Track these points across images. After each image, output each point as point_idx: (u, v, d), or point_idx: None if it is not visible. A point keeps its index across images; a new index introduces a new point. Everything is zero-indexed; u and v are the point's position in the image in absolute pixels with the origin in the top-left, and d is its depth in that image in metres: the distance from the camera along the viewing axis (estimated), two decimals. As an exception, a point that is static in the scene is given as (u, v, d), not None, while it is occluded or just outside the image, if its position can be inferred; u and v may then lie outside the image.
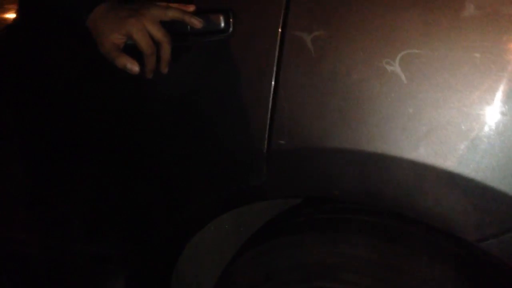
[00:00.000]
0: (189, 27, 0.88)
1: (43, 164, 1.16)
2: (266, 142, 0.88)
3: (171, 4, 0.89)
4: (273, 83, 0.85)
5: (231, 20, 0.87)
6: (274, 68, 0.85)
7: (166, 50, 0.88)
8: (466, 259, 0.85)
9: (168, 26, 0.90)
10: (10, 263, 1.30)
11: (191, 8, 0.90)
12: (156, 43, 0.88)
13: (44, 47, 1.09)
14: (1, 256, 1.31)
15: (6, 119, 1.19)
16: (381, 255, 0.88)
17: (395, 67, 0.77)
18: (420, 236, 0.90)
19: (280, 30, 0.84)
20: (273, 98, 0.85)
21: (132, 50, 0.89)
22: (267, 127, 0.87)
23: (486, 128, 0.74)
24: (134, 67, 0.88)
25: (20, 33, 1.14)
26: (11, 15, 1.24)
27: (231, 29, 0.87)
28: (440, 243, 0.87)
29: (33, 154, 1.17)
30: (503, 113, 0.73)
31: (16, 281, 1.31)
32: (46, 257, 1.25)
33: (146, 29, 0.86)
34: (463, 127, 0.75)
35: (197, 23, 0.87)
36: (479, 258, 0.84)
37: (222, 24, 0.87)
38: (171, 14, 0.87)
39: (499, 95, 0.73)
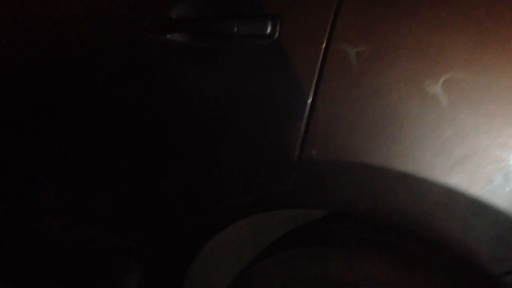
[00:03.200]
0: (235, 28, 0.90)
1: (74, 149, 1.18)
2: (298, 150, 0.88)
3: None
4: (312, 92, 0.85)
5: (278, 26, 0.88)
6: (315, 78, 0.85)
7: None
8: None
9: (215, 26, 0.91)
10: (31, 243, 1.32)
11: None
12: None
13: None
14: (22, 236, 1.33)
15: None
16: (400, 278, 0.87)
17: (437, 89, 0.77)
18: (442, 265, 0.88)
19: (325, 40, 0.84)
20: (310, 107, 0.86)
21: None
22: (301, 135, 0.87)
23: (523, 162, 0.73)
24: None
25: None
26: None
27: (277, 34, 0.88)
28: (462, 273, 0.86)
29: (64, 138, 1.19)
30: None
31: (34, 261, 1.33)
32: (66, 241, 1.26)
33: None
34: (499, 158, 0.74)
35: None
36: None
37: (269, 29, 0.88)
38: None
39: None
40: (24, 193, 1.30)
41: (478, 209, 0.76)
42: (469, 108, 0.75)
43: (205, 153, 1.00)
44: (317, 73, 0.85)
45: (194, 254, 1.14)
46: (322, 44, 0.84)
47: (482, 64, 0.74)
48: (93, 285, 1.27)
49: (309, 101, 0.86)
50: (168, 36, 0.98)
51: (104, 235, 1.20)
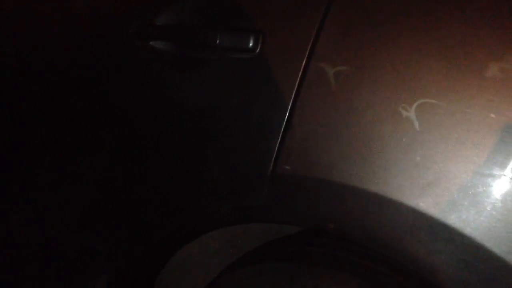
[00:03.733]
0: (218, 40, 0.90)
1: (47, 150, 1.17)
2: (271, 165, 0.89)
3: None
4: (289, 108, 0.86)
5: (260, 40, 0.89)
6: (293, 94, 0.86)
7: None
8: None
9: (198, 36, 0.92)
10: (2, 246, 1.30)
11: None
12: None
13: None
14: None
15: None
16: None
17: (411, 113, 0.78)
18: (408, 287, 0.89)
19: (305, 58, 0.85)
20: (286, 123, 0.87)
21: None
22: (276, 150, 0.88)
23: (492, 190, 0.75)
24: None
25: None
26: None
27: (258, 49, 0.89)
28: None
29: (38, 139, 1.18)
30: (509, 177, 0.73)
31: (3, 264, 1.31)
32: (34, 243, 1.24)
33: None
34: (468, 184, 0.76)
35: None
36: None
37: (251, 43, 0.89)
38: None
39: (508, 158, 0.73)
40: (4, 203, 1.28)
41: (444, 233, 0.77)
42: (440, 133, 0.76)
43: (181, 161, 1.00)
44: (295, 89, 0.86)
45: (163, 262, 1.14)
46: (302, 62, 0.86)
47: (455, 92, 0.76)
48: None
49: (286, 116, 0.87)
50: (151, 43, 0.98)
51: (72, 237, 1.19)
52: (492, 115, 0.74)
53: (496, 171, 0.74)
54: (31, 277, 1.28)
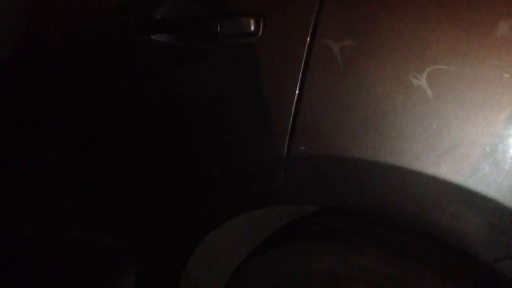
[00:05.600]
0: (219, 27, 0.89)
1: (66, 151, 1.18)
2: (286, 147, 0.88)
3: None
4: (297, 89, 0.85)
5: (261, 24, 0.88)
6: (300, 75, 0.85)
7: None
8: (480, 280, 0.85)
9: (199, 26, 0.91)
10: (28, 247, 1.32)
11: None
12: None
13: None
14: (18, 240, 1.33)
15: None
16: (393, 269, 0.88)
17: (422, 81, 0.77)
18: (434, 254, 0.89)
19: (309, 37, 0.84)
20: (296, 104, 0.86)
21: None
22: (288, 132, 0.87)
23: (509, 149, 0.74)
24: None
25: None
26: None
27: (260, 32, 0.88)
28: (455, 262, 0.87)
29: (56, 140, 1.19)
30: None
31: (30, 264, 1.33)
32: (62, 244, 1.26)
33: None
34: (487, 147, 0.75)
35: None
36: (493, 279, 0.83)
37: (252, 27, 0.88)
38: None
39: (526, 117, 0.72)
40: (18, 197, 1.30)
41: (467, 198, 0.77)
42: (454, 99, 0.75)
43: (195, 153, 1.00)
44: (302, 69, 0.85)
45: (189, 253, 1.15)
46: (306, 41, 0.84)
47: (465, 55, 0.74)
48: (91, 286, 1.27)
49: (295, 97, 0.86)
50: (152, 37, 0.97)
51: (98, 236, 1.20)
52: (506, 75, 0.72)
53: (514, 131, 0.73)
54: (59, 277, 1.30)
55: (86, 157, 1.15)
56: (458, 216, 0.79)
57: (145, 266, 1.19)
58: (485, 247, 0.79)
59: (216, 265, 1.24)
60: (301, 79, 0.85)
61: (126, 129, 1.07)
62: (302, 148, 0.87)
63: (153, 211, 1.11)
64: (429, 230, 0.84)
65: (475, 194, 0.76)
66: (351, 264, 0.91)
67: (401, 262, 0.88)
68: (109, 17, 1.04)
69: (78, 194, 1.19)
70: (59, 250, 1.28)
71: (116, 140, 1.10)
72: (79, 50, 1.08)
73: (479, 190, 0.76)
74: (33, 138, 1.21)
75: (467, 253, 0.82)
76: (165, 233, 1.11)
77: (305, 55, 0.85)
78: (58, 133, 1.17)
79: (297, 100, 0.86)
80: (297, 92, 0.86)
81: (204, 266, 1.22)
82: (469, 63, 0.74)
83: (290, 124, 0.87)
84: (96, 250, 1.22)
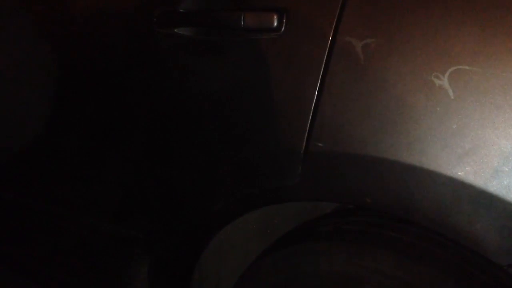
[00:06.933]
0: (242, 22, 0.90)
1: (82, 141, 1.19)
2: (304, 143, 0.88)
3: None
4: (318, 85, 0.86)
5: (284, 19, 0.88)
6: (321, 71, 0.85)
7: None
8: (494, 284, 0.84)
9: (222, 20, 0.92)
10: (46, 234, 1.34)
11: None
12: None
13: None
14: (37, 228, 1.35)
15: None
16: (405, 273, 0.87)
17: (444, 81, 0.76)
18: (447, 259, 0.88)
19: (331, 34, 0.84)
20: (316, 100, 0.86)
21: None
22: (307, 128, 0.87)
23: (531, 153, 0.73)
24: None
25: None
26: None
27: (283, 28, 0.88)
28: (469, 266, 0.86)
29: (74, 132, 1.21)
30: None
31: (49, 252, 1.35)
32: (79, 233, 1.28)
33: None
34: (506, 149, 0.74)
35: None
36: (508, 283, 0.82)
37: (275, 23, 0.88)
38: None
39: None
40: (38, 187, 1.32)
41: (485, 201, 0.76)
42: (476, 100, 0.75)
43: (213, 146, 1.00)
44: (323, 66, 0.85)
45: (202, 247, 1.15)
46: (329, 38, 0.84)
47: (489, 56, 0.74)
48: (104, 275, 1.28)
49: (316, 94, 0.86)
50: (175, 30, 0.98)
51: (112, 226, 1.22)
52: (529, 78, 0.72)
53: (536, 135, 0.72)
54: (74, 265, 1.31)
55: (100, 148, 1.17)
56: (475, 218, 0.78)
57: (158, 258, 1.20)
58: (501, 251, 0.78)
59: (228, 261, 1.25)
60: (322, 76, 0.85)
61: (142, 121, 1.08)
62: (320, 144, 0.87)
63: (166, 203, 1.12)
64: (445, 232, 0.83)
65: (494, 197, 0.75)
66: (363, 266, 0.91)
67: (414, 266, 0.87)
68: (134, 11, 1.05)
69: (92, 184, 1.21)
70: (73, 237, 1.30)
71: (132, 132, 1.11)
72: (104, 43, 1.10)
73: (498, 193, 0.75)
74: (52, 131, 1.23)
75: (483, 256, 0.81)
76: (178, 226, 1.12)
77: (327, 52, 0.85)
78: (75, 125, 1.19)
79: (317, 97, 0.86)
80: (317, 88, 0.86)
81: (217, 261, 1.23)
82: (492, 64, 0.74)
83: (309, 120, 0.87)
84: (109, 239, 1.23)
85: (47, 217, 1.33)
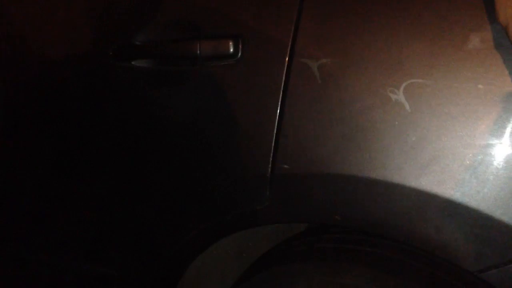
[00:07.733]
0: (198, 50, 0.90)
1: (50, 180, 1.17)
2: (270, 166, 0.89)
3: None
4: (279, 107, 0.86)
5: (240, 45, 0.89)
6: (280, 93, 0.86)
7: None
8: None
9: (179, 50, 0.92)
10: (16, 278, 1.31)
11: None
12: None
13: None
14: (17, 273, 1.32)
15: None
16: (382, 287, 0.88)
17: (399, 95, 0.78)
18: (420, 269, 0.89)
19: (287, 56, 0.85)
20: (278, 123, 0.87)
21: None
22: (272, 151, 0.88)
23: (489, 158, 0.75)
24: None
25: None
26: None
27: (239, 54, 0.89)
28: (441, 275, 0.87)
29: (40, 169, 1.18)
30: (506, 144, 0.74)
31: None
32: (49, 275, 1.25)
33: None
34: (466, 157, 0.76)
35: None
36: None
37: (231, 49, 0.89)
38: None
39: (502, 126, 0.73)
40: (4, 230, 1.29)
41: (450, 209, 0.78)
42: (431, 111, 0.76)
43: (179, 176, 1.00)
44: (282, 88, 0.86)
45: (178, 276, 1.14)
46: (285, 60, 0.85)
47: (440, 69, 0.76)
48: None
49: (277, 116, 0.87)
50: (133, 62, 0.98)
51: (87, 265, 1.19)
52: (480, 86, 0.74)
53: (492, 141, 0.74)
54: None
55: (66, 186, 1.15)
56: (442, 227, 0.80)
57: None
58: (470, 257, 0.79)
59: (207, 287, 1.23)
60: (282, 98, 0.86)
61: (107, 157, 1.07)
62: (286, 166, 0.88)
63: (138, 237, 1.10)
64: (415, 243, 0.84)
65: (457, 205, 0.77)
66: (341, 284, 0.91)
67: (390, 280, 0.88)
68: (91, 45, 1.05)
69: (64, 225, 1.19)
70: (46, 280, 1.27)
71: (97, 166, 1.10)
72: (63, 77, 1.09)
73: (461, 201, 0.77)
74: (18, 168, 1.21)
75: (452, 266, 0.82)
76: (151, 258, 1.11)
77: (284, 74, 0.86)
78: (44, 161, 1.17)
79: (278, 119, 0.87)
80: (278, 111, 0.87)
81: (195, 288, 1.21)
82: (444, 76, 0.76)
83: (273, 143, 0.88)
84: (84, 278, 1.21)
85: (18, 261, 1.30)
